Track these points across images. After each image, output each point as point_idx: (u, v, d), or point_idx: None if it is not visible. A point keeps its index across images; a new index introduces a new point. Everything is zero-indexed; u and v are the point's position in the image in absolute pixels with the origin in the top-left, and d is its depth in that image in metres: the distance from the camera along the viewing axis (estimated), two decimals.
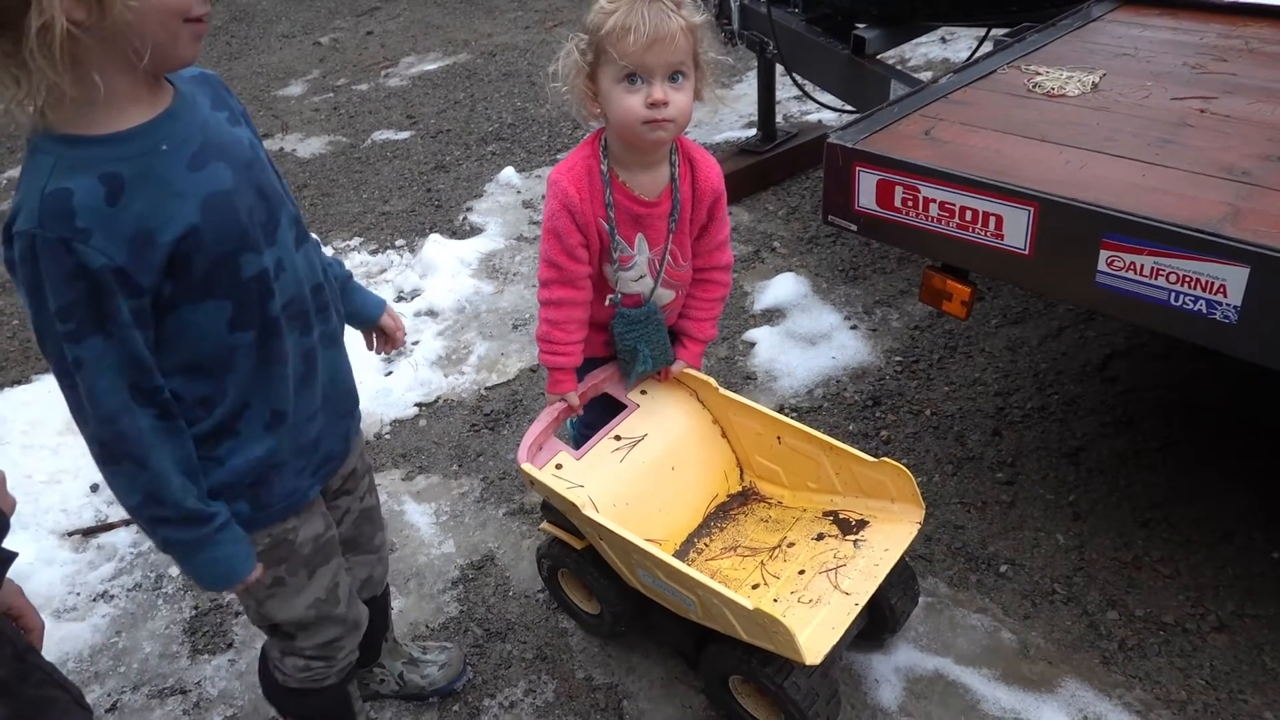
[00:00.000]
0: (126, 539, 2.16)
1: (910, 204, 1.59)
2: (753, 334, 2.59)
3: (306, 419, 1.21)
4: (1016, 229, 1.47)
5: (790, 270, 2.84)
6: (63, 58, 0.89)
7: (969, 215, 1.51)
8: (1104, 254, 1.37)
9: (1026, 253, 1.47)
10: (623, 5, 1.39)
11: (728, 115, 4.05)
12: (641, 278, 1.60)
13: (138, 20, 0.91)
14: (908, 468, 1.53)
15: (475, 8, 6.46)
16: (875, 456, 1.57)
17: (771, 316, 2.67)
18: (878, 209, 1.66)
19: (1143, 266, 1.35)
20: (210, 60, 6.01)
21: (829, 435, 1.63)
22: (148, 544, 2.13)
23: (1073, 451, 2.07)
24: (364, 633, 1.47)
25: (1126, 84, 1.89)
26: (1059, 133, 1.68)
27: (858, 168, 1.66)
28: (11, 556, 0.99)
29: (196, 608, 1.98)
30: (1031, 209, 1.44)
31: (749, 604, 1.34)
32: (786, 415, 1.80)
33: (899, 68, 2.99)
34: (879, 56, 2.62)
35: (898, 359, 2.43)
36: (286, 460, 1.20)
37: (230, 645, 1.88)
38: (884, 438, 2.18)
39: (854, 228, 1.72)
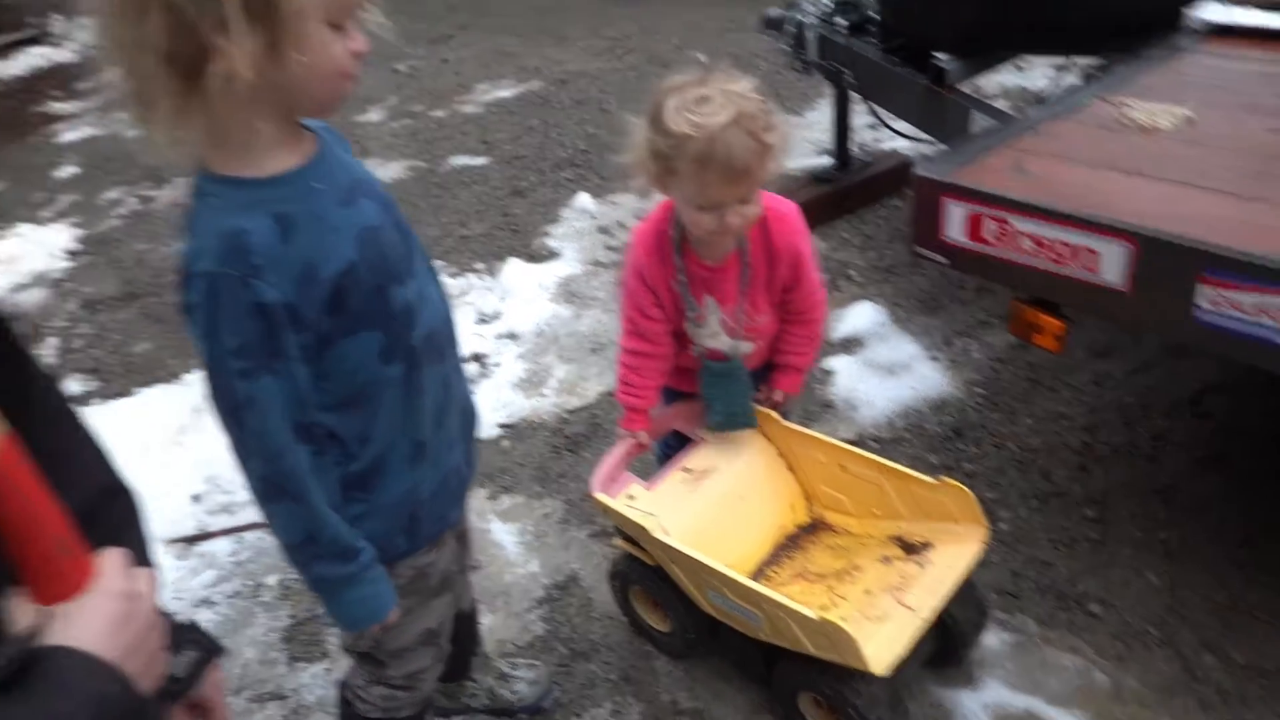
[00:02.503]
0: (226, 548, 2.25)
1: (1001, 237, 1.60)
2: (831, 362, 2.60)
3: (446, 447, 1.26)
4: (1112, 264, 1.47)
5: (867, 299, 2.86)
6: (234, 103, 0.97)
7: (1063, 250, 1.52)
8: (1203, 290, 1.37)
9: (1123, 288, 1.48)
10: (708, 126, 1.38)
11: (801, 144, 4.07)
12: (716, 334, 1.65)
13: (306, 75, 0.98)
14: (996, 504, 1.55)
15: (547, 35, 6.60)
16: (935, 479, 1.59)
17: (849, 345, 2.68)
18: (967, 241, 1.67)
19: (1243, 303, 1.34)
20: None
21: (909, 466, 1.64)
22: (246, 553, 2.23)
23: (1163, 488, 2.04)
24: (451, 651, 1.52)
25: (1219, 117, 1.87)
26: (1153, 167, 1.68)
27: (946, 200, 1.68)
28: (217, 650, 0.91)
29: (293, 616, 2.05)
30: (1128, 244, 1.44)
31: (813, 613, 1.37)
32: (867, 446, 1.82)
33: (977, 97, 2.99)
34: (958, 86, 2.62)
35: (979, 391, 2.43)
36: (431, 490, 1.25)
37: (325, 655, 1.95)
38: (967, 471, 2.17)
39: (942, 260, 1.73)
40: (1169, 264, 1.41)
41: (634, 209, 3.77)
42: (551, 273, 3.29)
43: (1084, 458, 2.16)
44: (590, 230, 3.61)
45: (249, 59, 0.93)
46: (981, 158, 1.77)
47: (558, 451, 2.46)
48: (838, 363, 2.59)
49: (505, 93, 5.56)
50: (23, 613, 0.63)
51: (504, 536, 2.19)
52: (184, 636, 0.87)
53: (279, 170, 1.06)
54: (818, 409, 2.45)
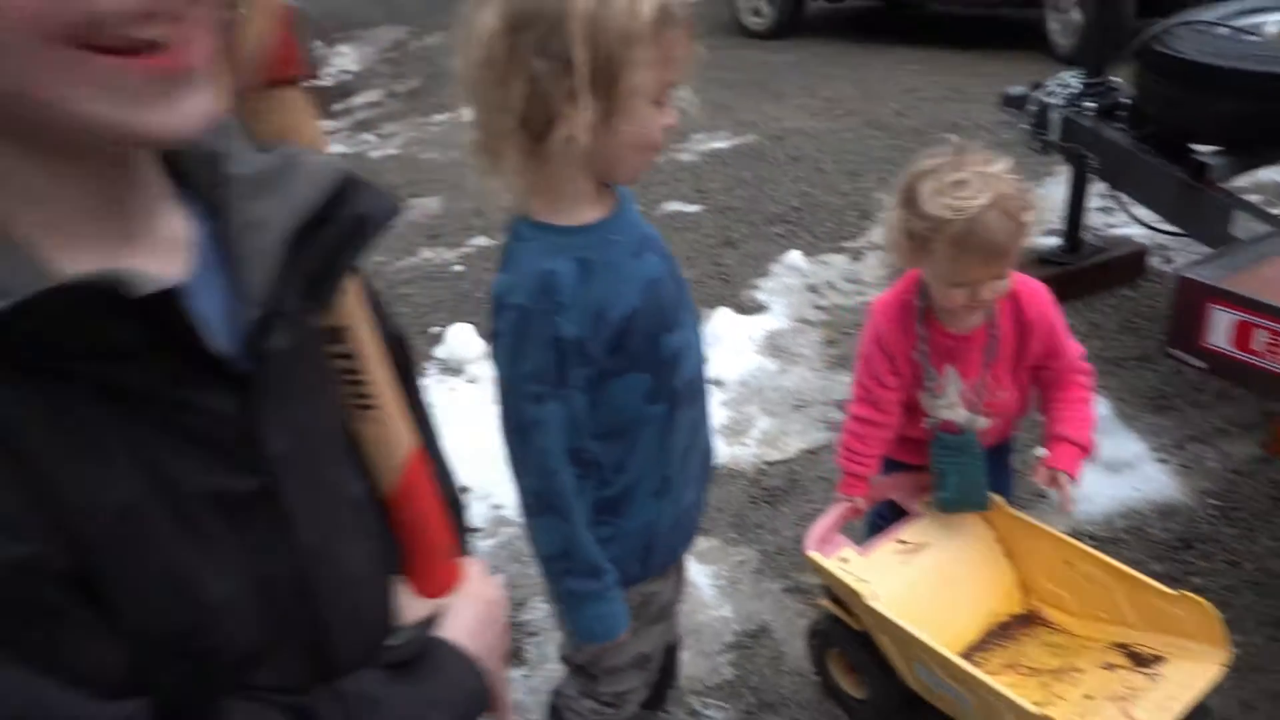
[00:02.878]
0: None
1: (1275, 349, 1.53)
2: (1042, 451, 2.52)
3: (685, 485, 1.35)
4: None
5: None
6: (566, 163, 1.10)
7: None
8: None
9: None
10: (967, 209, 1.41)
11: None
12: (954, 406, 1.66)
13: (627, 144, 1.11)
14: (1227, 625, 1.46)
15: (764, 92, 6.75)
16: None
17: None
18: (1232, 349, 1.61)
19: None
20: (443, 135, 6.64)
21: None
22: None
23: None
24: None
25: None
26: None
27: (1212, 305, 1.62)
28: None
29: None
30: None
31: (1033, 708, 1.33)
32: (1083, 543, 1.76)
33: (1240, 195, 2.84)
34: (1221, 183, 2.51)
35: (1213, 502, 2.28)
36: (668, 523, 1.34)
37: (525, 662, 2.07)
38: (1195, 585, 2.04)
39: (1200, 364, 1.67)
40: None
41: (845, 270, 3.79)
42: (759, 325, 3.36)
43: None
44: (799, 287, 3.66)
45: (587, 127, 1.06)
46: (1257, 265, 1.69)
47: (755, 502, 2.50)
48: None
49: (721, 144, 5.72)
50: (409, 604, 0.72)
51: (699, 577, 2.25)
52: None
53: (586, 221, 1.19)
54: (1029, 497, 2.37)
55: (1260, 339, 1.54)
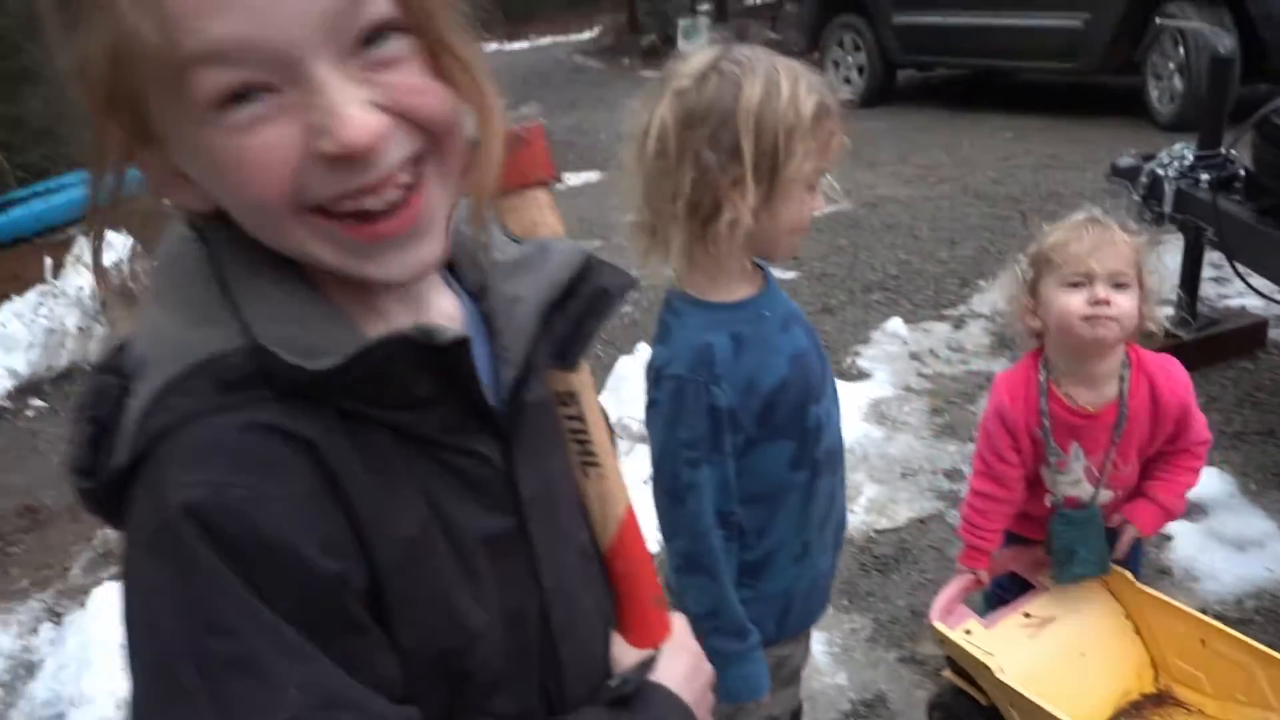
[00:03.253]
0: None
1: None
2: (1169, 527, 2.48)
3: (821, 551, 1.41)
4: None
5: (1212, 465, 2.69)
6: (727, 244, 1.20)
7: None
8: None
9: None
10: (1067, 225, 1.57)
11: None
12: (1078, 482, 1.67)
13: (781, 226, 1.20)
14: None
15: (858, 160, 6.83)
16: None
17: (1191, 512, 2.53)
18: None
19: None
20: (610, 214, 6.87)
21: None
22: None
23: None
24: None
25: None
26: None
27: None
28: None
29: None
30: None
31: None
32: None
33: None
34: None
35: None
36: (805, 588, 1.39)
37: None
38: None
39: None
40: None
41: (947, 338, 3.80)
42: (863, 392, 3.39)
43: None
44: (902, 355, 3.69)
45: (751, 211, 1.16)
46: None
47: (866, 570, 2.52)
48: (1177, 528, 2.46)
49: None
50: (623, 651, 0.79)
51: (813, 644, 2.26)
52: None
53: (739, 298, 1.28)
54: (1152, 575, 2.33)
55: None
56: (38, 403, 4.88)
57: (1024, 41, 7.20)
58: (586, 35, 20.05)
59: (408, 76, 0.58)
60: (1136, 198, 3.18)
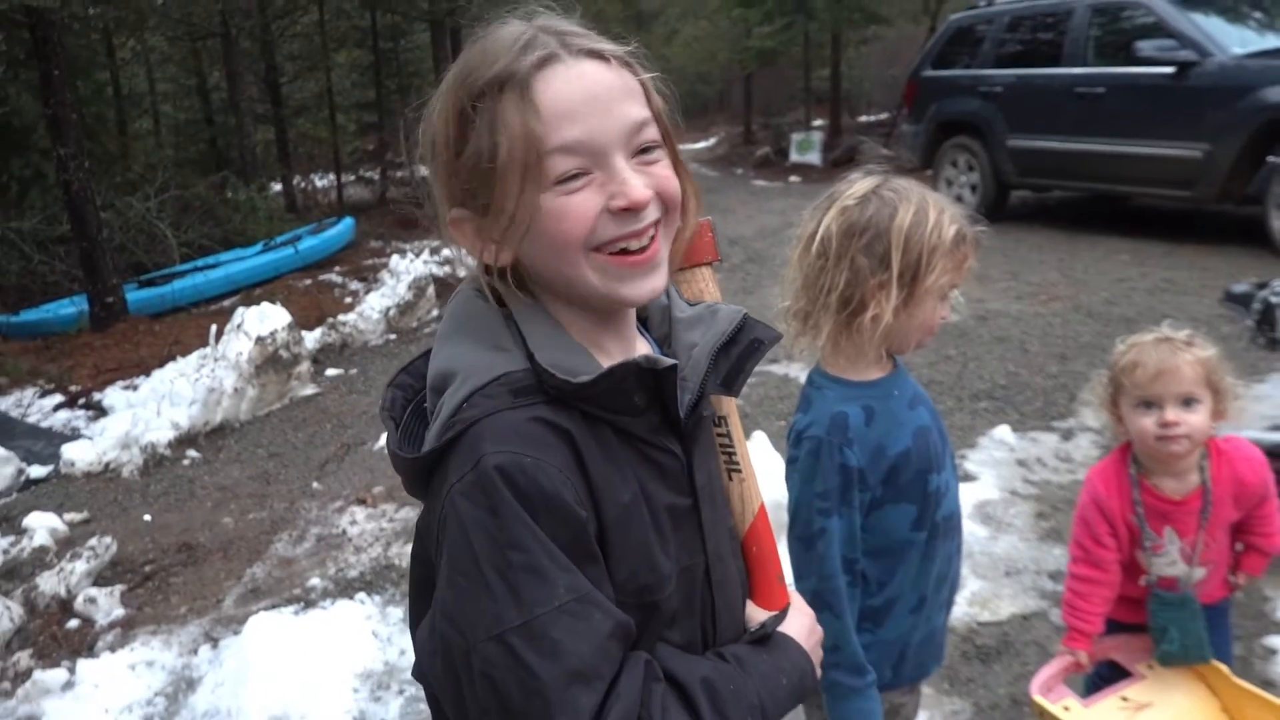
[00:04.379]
0: None
1: None
2: (1273, 640, 2.52)
3: (937, 609, 1.59)
4: None
5: None
6: (872, 336, 1.44)
7: None
8: None
9: None
10: (1136, 346, 1.75)
11: (1248, 414, 3.96)
12: (1174, 563, 1.81)
13: (914, 325, 1.45)
14: None
15: (970, 275, 6.99)
16: None
17: None
18: None
19: None
20: (729, 294, 7.20)
21: None
22: None
23: None
24: None
25: None
26: None
27: None
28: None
29: None
30: None
31: None
32: None
33: None
34: None
35: None
36: (920, 640, 1.57)
37: None
38: None
39: None
40: None
41: (1055, 449, 3.89)
42: (969, 494, 3.51)
43: None
44: (1009, 461, 3.79)
45: (892, 310, 1.41)
46: None
47: (967, 658, 2.62)
48: None
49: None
50: (754, 611, 1.05)
51: None
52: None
53: (872, 378, 1.52)
54: (1259, 684, 2.37)
55: None
56: (194, 453, 5.38)
57: (1141, 169, 7.32)
58: (702, 145, 20.97)
59: (663, 170, 0.92)
60: (1249, 323, 3.29)
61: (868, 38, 17.96)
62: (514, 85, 0.87)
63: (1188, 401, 1.71)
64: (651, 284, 0.92)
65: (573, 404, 0.89)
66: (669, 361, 0.92)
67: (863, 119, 18.97)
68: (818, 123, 18.00)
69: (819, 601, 1.48)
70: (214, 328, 6.46)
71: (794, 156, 15.85)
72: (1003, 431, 3.99)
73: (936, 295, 1.44)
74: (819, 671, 1.05)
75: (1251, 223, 6.61)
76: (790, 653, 1.00)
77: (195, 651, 3.25)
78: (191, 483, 5.02)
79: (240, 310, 6.32)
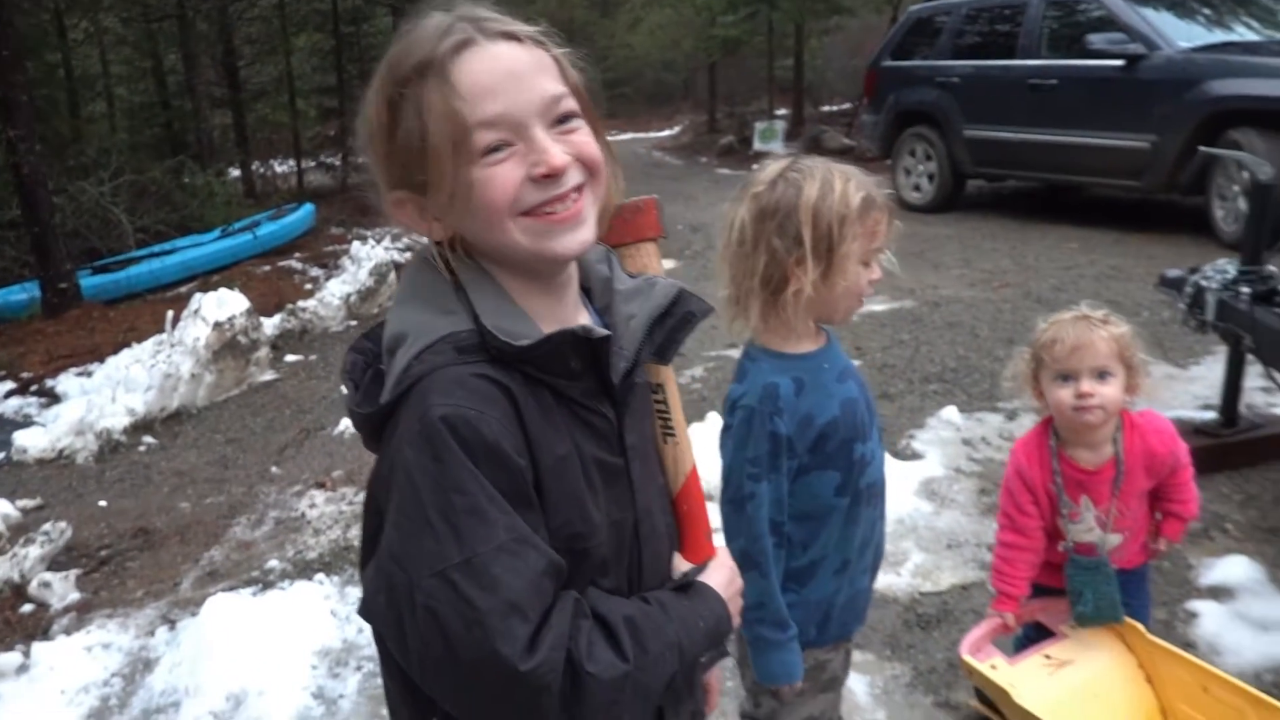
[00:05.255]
0: None
1: None
2: (1195, 605, 2.64)
3: (861, 572, 1.67)
4: None
5: (1243, 554, 2.85)
6: (795, 310, 1.51)
7: None
8: None
9: None
10: (1056, 324, 1.86)
11: (1181, 394, 4.12)
12: (1090, 530, 1.92)
13: (840, 295, 1.52)
14: None
15: (924, 262, 7.13)
16: None
17: (1218, 593, 2.70)
18: None
19: None
20: (689, 279, 7.28)
21: None
22: None
23: None
24: None
25: None
26: None
27: None
28: (725, 653, 1.26)
29: None
30: None
31: None
32: None
33: None
34: None
35: None
36: (844, 601, 1.65)
37: None
38: None
39: None
40: None
41: (999, 428, 4.01)
42: (915, 471, 3.62)
43: None
44: (955, 440, 3.91)
45: (812, 283, 1.48)
46: None
47: (909, 626, 2.72)
48: (1202, 606, 2.62)
49: (879, 307, 6.09)
50: (681, 563, 1.12)
51: (856, 684, 2.48)
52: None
53: (803, 351, 1.59)
54: (1178, 646, 2.49)
55: None
56: (150, 439, 5.35)
57: (1092, 160, 7.49)
58: (667, 133, 21.00)
59: (582, 137, 0.98)
60: (1182, 306, 3.41)
61: (830, 28, 18.10)
62: (435, 70, 0.93)
63: (1102, 375, 1.80)
64: (579, 238, 0.98)
65: (514, 365, 0.95)
66: (603, 332, 0.99)
67: (826, 109, 19.11)
68: (781, 112, 18.11)
69: (747, 561, 1.56)
70: (171, 313, 6.40)
71: (757, 145, 15.96)
72: (950, 412, 4.10)
73: (856, 262, 1.51)
74: (736, 619, 1.12)
75: (1197, 212, 6.80)
76: (709, 600, 1.07)
77: (152, 633, 3.25)
78: (148, 469, 5.00)
79: (198, 296, 6.28)
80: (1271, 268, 3.25)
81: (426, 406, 0.90)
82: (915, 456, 3.79)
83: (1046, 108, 7.72)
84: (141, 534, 4.22)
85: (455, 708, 0.95)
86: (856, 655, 2.60)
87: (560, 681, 0.88)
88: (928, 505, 3.37)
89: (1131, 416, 1.91)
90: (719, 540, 1.23)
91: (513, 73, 0.94)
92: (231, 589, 3.46)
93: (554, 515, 0.95)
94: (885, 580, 2.94)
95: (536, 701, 0.88)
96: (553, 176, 0.94)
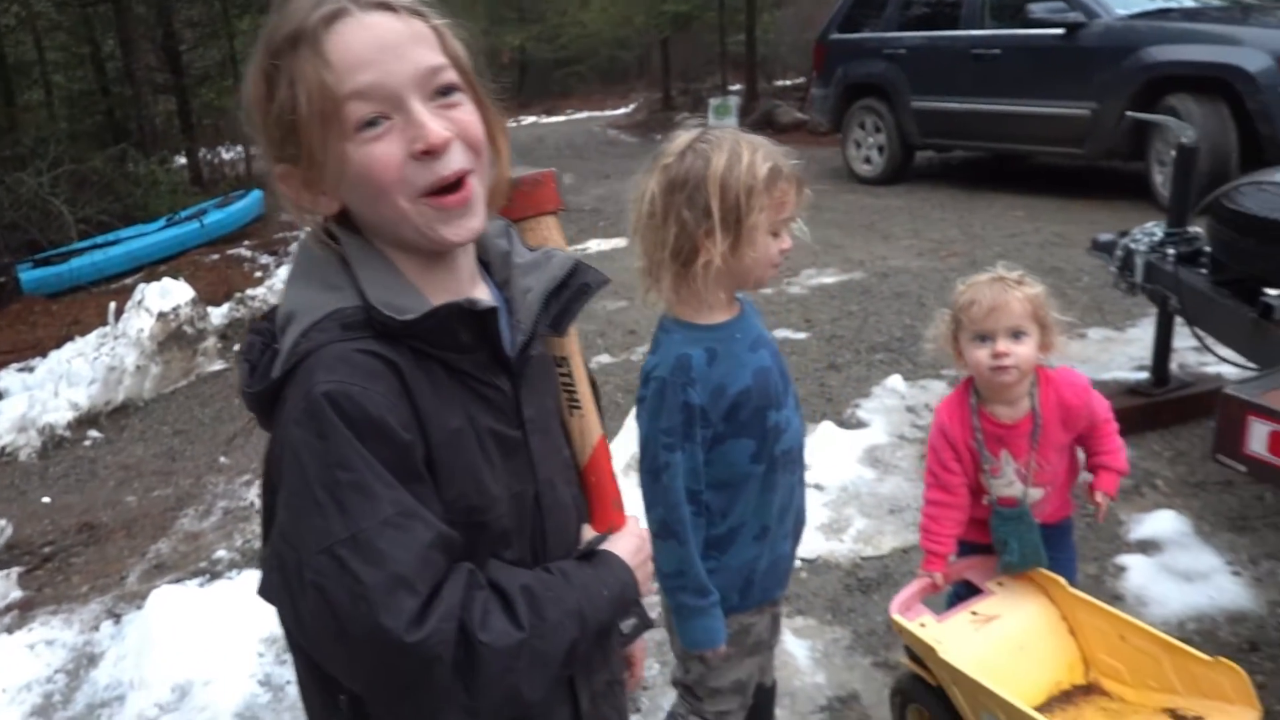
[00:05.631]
0: None
1: None
2: (1124, 559, 2.72)
3: (782, 538, 1.69)
4: None
5: (1171, 509, 2.94)
6: (704, 280, 1.52)
7: None
8: None
9: None
10: (973, 285, 1.90)
11: (1118, 356, 4.21)
12: (1011, 484, 1.96)
13: (750, 264, 1.53)
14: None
15: (873, 233, 7.20)
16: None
17: (1146, 547, 2.78)
18: (1268, 455, 1.86)
19: None
20: (636, 257, 7.28)
21: None
22: None
23: None
24: (751, 716, 1.87)
25: None
26: None
27: (1250, 417, 1.89)
28: (650, 624, 1.30)
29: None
30: None
31: None
32: (1196, 650, 1.95)
33: None
34: None
35: None
36: (765, 566, 1.68)
37: (639, 710, 2.37)
38: (1259, 682, 2.19)
39: (1241, 468, 1.92)
40: None
41: (943, 394, 4.07)
42: (860, 439, 3.67)
43: None
44: (899, 408, 3.97)
45: (721, 254, 1.49)
46: None
47: (850, 590, 2.77)
48: (1131, 560, 2.70)
49: (829, 279, 6.14)
50: (588, 532, 1.13)
51: (796, 648, 2.52)
52: (634, 610, 1.35)
53: (716, 321, 1.60)
54: (1105, 599, 2.55)
55: None
56: (95, 434, 5.27)
57: (1036, 128, 7.59)
58: (622, 111, 20.89)
59: (464, 114, 0.96)
60: (1113, 269, 3.49)
61: (782, 1, 18.06)
62: (306, 40, 0.92)
63: (1017, 334, 1.84)
64: (469, 225, 0.97)
65: (402, 340, 0.94)
66: (489, 303, 0.99)
67: (780, 83, 19.11)
68: (735, 88, 18.08)
69: (665, 530, 1.58)
70: (113, 305, 6.28)
71: (711, 121, 15.81)
72: (895, 381, 4.16)
73: (764, 233, 1.52)
74: (645, 586, 1.13)
75: (1139, 177, 6.92)
76: (614, 568, 1.08)
77: (97, 628, 3.22)
78: (93, 463, 4.92)
79: (141, 287, 6.16)
80: (1196, 229, 3.33)
81: (311, 384, 0.90)
82: (860, 425, 3.84)
83: (990, 78, 7.79)
84: (86, 529, 4.17)
85: (352, 683, 0.95)
86: (798, 620, 2.65)
87: (452, 652, 0.89)
88: (871, 472, 3.42)
89: (1046, 372, 1.96)
90: (641, 513, 1.24)
91: (386, 43, 0.92)
92: (178, 580, 3.43)
93: (449, 488, 0.95)
94: (828, 546, 2.99)
95: (428, 672, 0.88)
96: (433, 153, 0.93)
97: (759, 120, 15.36)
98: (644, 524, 1.20)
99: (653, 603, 1.79)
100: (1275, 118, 5.97)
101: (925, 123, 8.50)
